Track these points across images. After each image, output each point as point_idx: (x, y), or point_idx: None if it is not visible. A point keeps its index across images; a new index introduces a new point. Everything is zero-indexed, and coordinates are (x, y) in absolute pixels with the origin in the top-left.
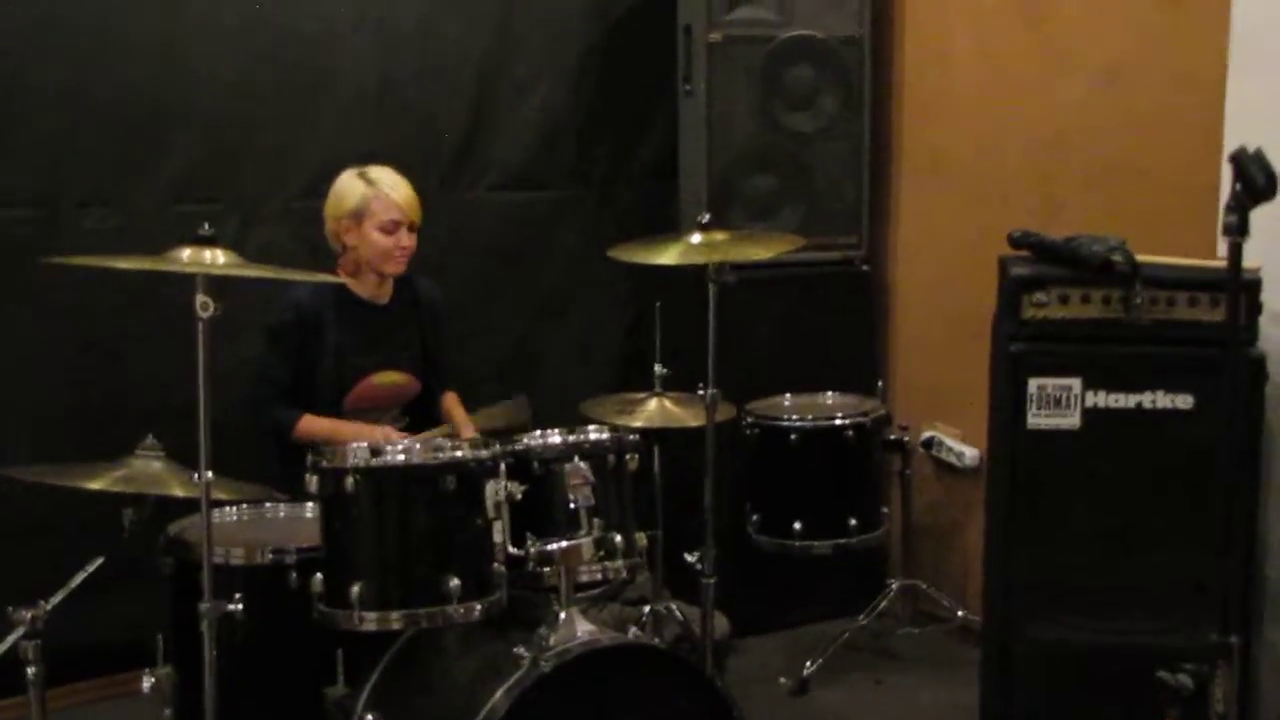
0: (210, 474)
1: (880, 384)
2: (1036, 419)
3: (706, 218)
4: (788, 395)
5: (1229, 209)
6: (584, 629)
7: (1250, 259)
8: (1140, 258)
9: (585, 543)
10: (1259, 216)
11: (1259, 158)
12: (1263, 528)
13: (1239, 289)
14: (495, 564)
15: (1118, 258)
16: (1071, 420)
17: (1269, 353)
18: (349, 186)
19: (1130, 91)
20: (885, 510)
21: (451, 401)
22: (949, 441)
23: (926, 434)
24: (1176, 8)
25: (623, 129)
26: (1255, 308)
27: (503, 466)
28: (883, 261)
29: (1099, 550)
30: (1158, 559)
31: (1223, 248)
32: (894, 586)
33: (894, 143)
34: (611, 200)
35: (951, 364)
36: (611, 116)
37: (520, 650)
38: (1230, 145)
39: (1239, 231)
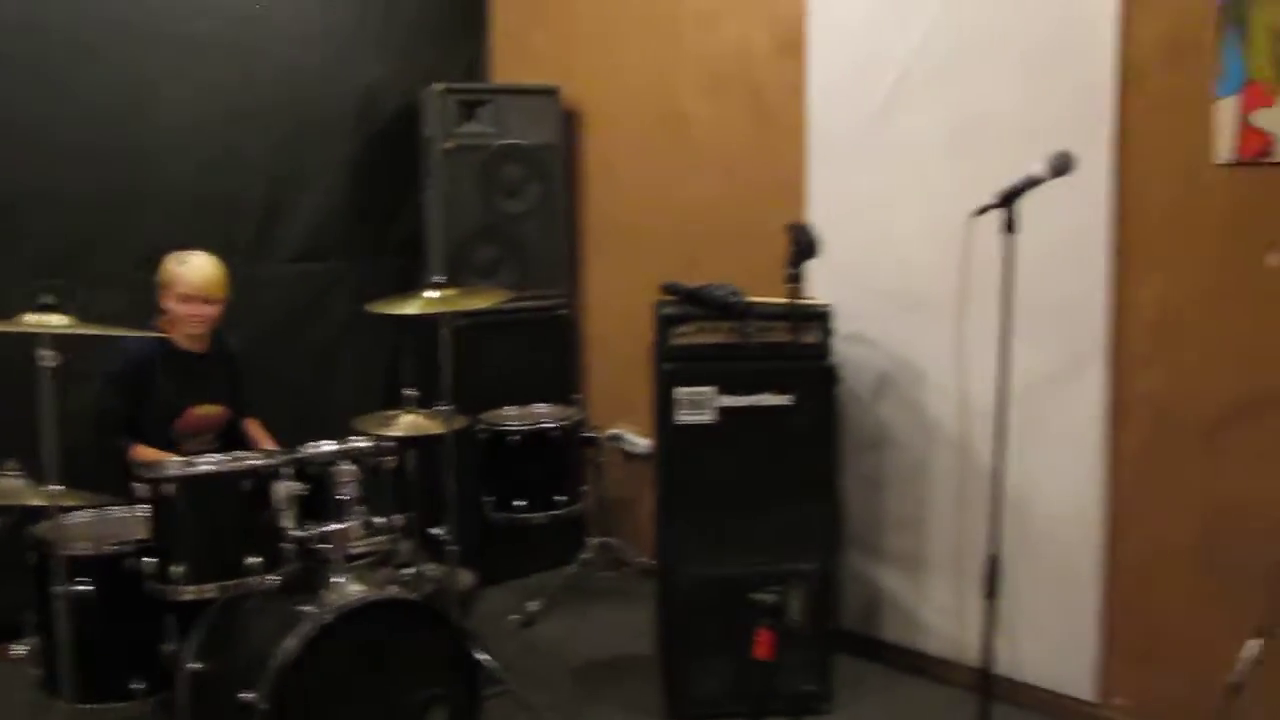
0: (59, 487)
1: (578, 396)
2: (684, 416)
3: (441, 278)
4: (510, 407)
5: (788, 264)
6: (356, 589)
7: (824, 297)
8: (752, 299)
9: (353, 525)
10: (831, 266)
11: (805, 228)
12: (842, 484)
13: (799, 318)
14: (285, 544)
15: (734, 299)
16: (710, 416)
17: (838, 363)
18: (167, 265)
19: (742, 180)
20: (585, 488)
21: (254, 426)
22: (629, 435)
23: (613, 431)
24: (770, 122)
25: (382, 214)
26: (828, 331)
27: (288, 471)
28: (579, 306)
29: (734, 507)
30: (775, 510)
31: (814, 289)
32: (593, 543)
33: (583, 219)
34: (374, 269)
35: (630, 379)
36: (373, 205)
37: (306, 608)
38: (811, 215)
39: (795, 280)
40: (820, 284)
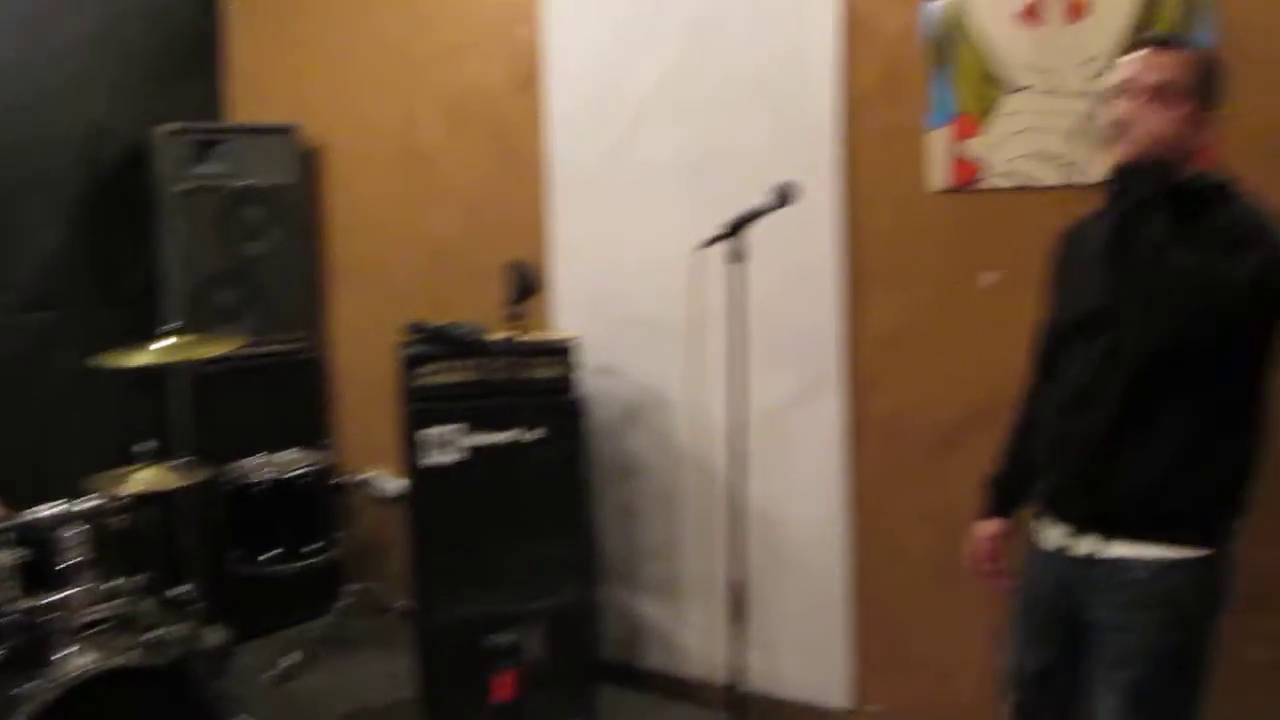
0: None
1: (328, 441)
2: (432, 457)
3: (174, 326)
4: (257, 455)
5: (509, 302)
6: (86, 659)
7: (571, 329)
8: (496, 335)
9: (82, 591)
10: (577, 299)
11: (524, 266)
12: (596, 516)
13: (544, 353)
14: (7, 616)
15: (477, 337)
16: (459, 456)
17: (586, 395)
18: None
19: (486, 216)
20: (338, 535)
21: None
22: (382, 478)
23: (366, 474)
24: (512, 157)
25: (114, 261)
26: (574, 364)
27: (7, 537)
28: (327, 349)
29: (488, 546)
30: (529, 547)
31: (561, 322)
32: (350, 590)
33: (328, 259)
34: (107, 318)
35: (381, 421)
36: (104, 251)
37: (32, 686)
38: (551, 252)
39: (517, 317)
40: (567, 317)
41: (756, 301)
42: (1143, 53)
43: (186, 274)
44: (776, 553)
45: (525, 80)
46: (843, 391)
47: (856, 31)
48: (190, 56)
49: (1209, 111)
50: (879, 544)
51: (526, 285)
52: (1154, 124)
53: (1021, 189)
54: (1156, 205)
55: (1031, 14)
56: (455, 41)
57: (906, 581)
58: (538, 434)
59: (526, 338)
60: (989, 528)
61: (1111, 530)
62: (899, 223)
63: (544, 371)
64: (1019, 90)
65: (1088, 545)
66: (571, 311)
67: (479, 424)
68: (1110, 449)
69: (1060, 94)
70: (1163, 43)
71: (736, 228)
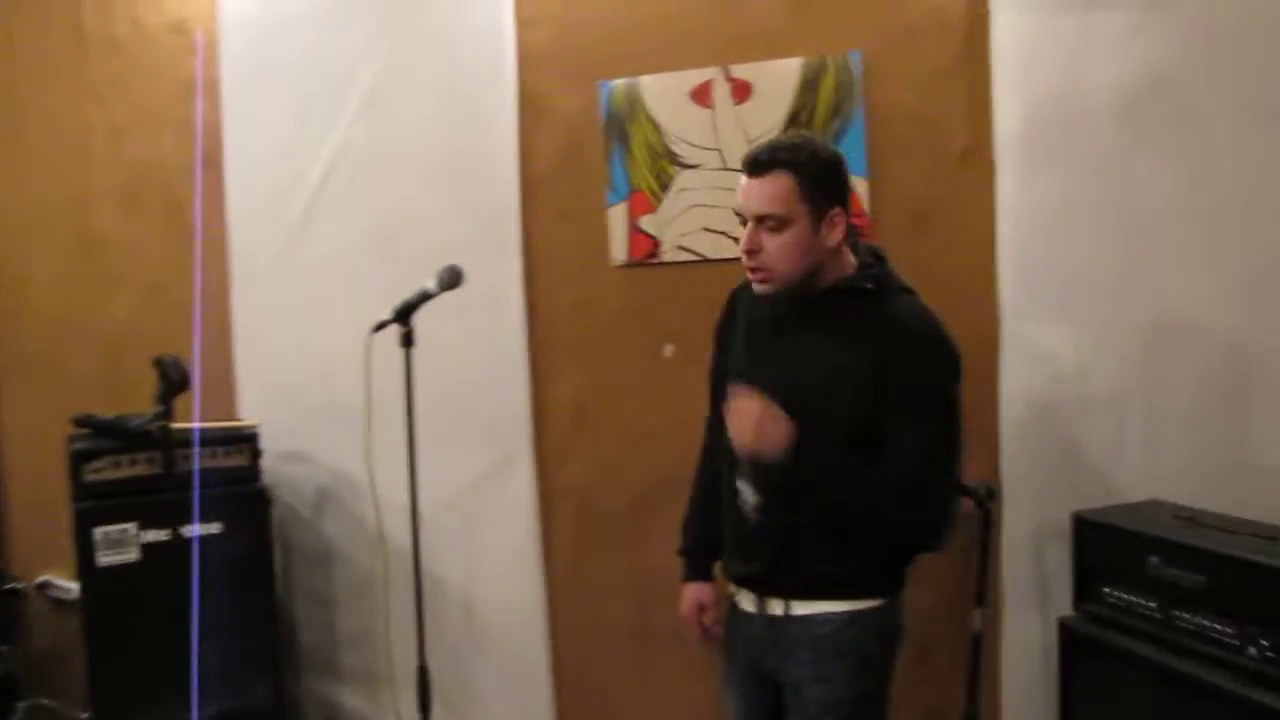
0: None
1: None
2: (105, 557)
3: None
4: None
5: (157, 399)
6: None
7: (256, 416)
8: (174, 425)
9: None
10: (261, 384)
11: (174, 361)
12: (289, 607)
13: (224, 441)
14: None
15: (150, 427)
16: (132, 555)
17: (272, 484)
18: None
19: (168, 299)
20: (5, 646)
21: None
22: (59, 581)
23: (41, 578)
24: (192, 238)
25: None
26: (257, 452)
27: None
28: None
29: (172, 649)
30: (216, 646)
31: (244, 409)
32: (21, 707)
33: None
34: None
35: (58, 520)
36: None
37: None
38: (238, 331)
39: (166, 415)
40: (250, 403)
41: (449, 380)
42: (752, 181)
43: None
44: (481, 631)
45: (206, 159)
46: (533, 466)
47: (534, 111)
48: None
49: (834, 209)
50: (576, 615)
51: (177, 380)
52: (778, 252)
53: (693, 262)
54: (806, 309)
55: (701, 95)
56: (130, 119)
57: (607, 648)
58: (218, 527)
59: (210, 426)
60: (691, 591)
61: (796, 595)
62: (583, 297)
63: (226, 461)
64: (690, 168)
65: (778, 608)
66: (255, 397)
67: (154, 520)
68: (789, 536)
69: (728, 171)
70: (770, 164)
71: (404, 313)
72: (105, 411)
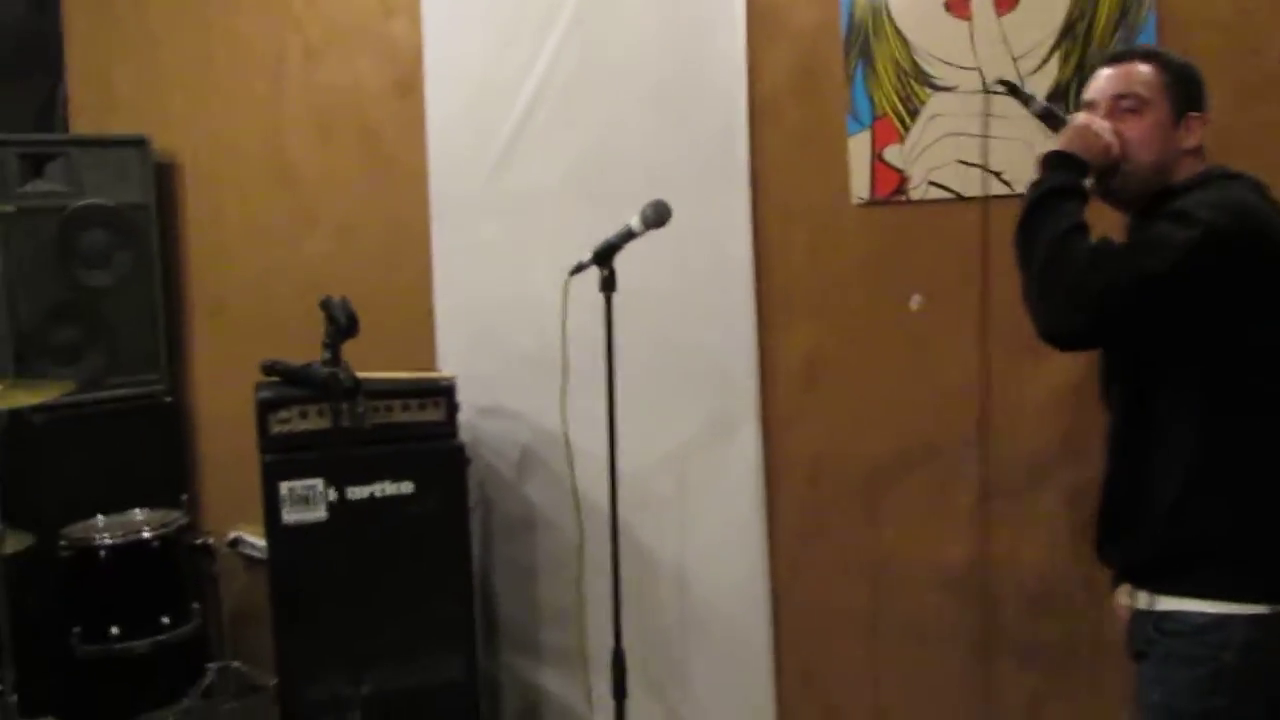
0: None
1: (185, 497)
2: (291, 514)
3: None
4: (100, 516)
5: (325, 343)
6: None
7: (455, 367)
8: (362, 374)
9: None
10: (461, 331)
11: (344, 304)
12: (489, 576)
13: (419, 394)
14: None
15: (338, 377)
16: (319, 514)
17: (470, 441)
18: None
19: (362, 237)
20: (196, 605)
21: None
22: (250, 538)
23: (233, 534)
24: (390, 173)
25: None
26: (454, 406)
27: None
28: (183, 393)
29: (359, 615)
30: (405, 615)
31: (443, 359)
32: (214, 668)
33: (187, 290)
34: None
35: (251, 473)
36: None
37: None
38: (437, 273)
39: (334, 360)
40: (449, 352)
41: (664, 331)
42: (1110, 69)
43: (16, 309)
44: (695, 609)
45: (403, 83)
46: (759, 429)
47: (764, 25)
48: (24, 57)
49: (1193, 113)
50: (802, 597)
51: (346, 324)
52: (1136, 136)
53: (946, 201)
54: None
55: (958, 4)
56: (325, 38)
57: (835, 635)
58: (411, 486)
59: (402, 377)
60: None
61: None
62: (818, 239)
63: (420, 416)
64: (944, 90)
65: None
66: (455, 345)
67: (343, 477)
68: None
69: (988, 94)
70: (1131, 55)
71: (604, 254)
72: (297, 358)
